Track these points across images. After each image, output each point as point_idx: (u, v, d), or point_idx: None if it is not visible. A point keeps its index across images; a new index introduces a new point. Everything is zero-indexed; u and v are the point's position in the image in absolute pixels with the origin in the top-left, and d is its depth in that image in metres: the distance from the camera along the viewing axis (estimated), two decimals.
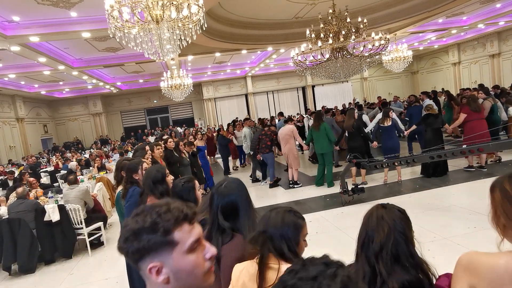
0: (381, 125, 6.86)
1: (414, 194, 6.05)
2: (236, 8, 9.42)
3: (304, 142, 7.94)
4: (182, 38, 5.16)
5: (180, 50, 5.57)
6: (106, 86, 16.75)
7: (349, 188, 5.77)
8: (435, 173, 6.76)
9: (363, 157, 6.77)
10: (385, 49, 8.21)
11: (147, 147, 4.61)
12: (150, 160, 4.39)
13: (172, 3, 4.65)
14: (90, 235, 5.35)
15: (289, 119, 7.75)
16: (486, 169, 6.76)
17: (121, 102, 20.93)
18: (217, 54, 12.74)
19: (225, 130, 11.89)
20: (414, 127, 7.44)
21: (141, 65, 13.70)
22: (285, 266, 1.31)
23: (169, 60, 11.51)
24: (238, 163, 11.22)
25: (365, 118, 8.92)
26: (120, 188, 3.22)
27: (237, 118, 19.18)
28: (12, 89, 14.17)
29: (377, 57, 8.41)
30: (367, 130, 7.83)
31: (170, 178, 2.66)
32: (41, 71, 11.71)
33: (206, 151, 8.59)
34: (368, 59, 8.24)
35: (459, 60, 19.12)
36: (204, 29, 5.09)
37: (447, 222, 4.60)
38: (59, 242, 5.13)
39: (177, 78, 12.06)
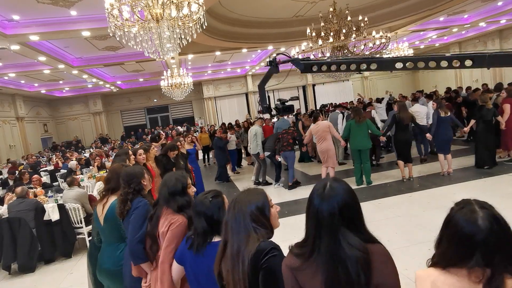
0: (441, 116, 6.66)
1: (414, 193, 6.04)
2: (236, 7, 9.40)
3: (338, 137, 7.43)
4: (182, 36, 5.14)
5: (180, 49, 5.55)
6: (106, 85, 16.73)
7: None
8: (489, 163, 6.72)
9: (409, 151, 6.76)
10: (386, 48, 8.20)
11: (131, 152, 4.47)
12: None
13: (172, 1, 4.63)
14: (90, 234, 5.34)
15: (317, 115, 7.37)
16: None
17: (121, 101, 20.92)
18: (218, 53, 12.71)
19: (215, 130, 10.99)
20: (473, 121, 7.15)
21: (141, 64, 13.68)
22: None
23: (169, 59, 11.49)
24: (230, 168, 10.21)
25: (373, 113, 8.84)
26: (113, 198, 2.63)
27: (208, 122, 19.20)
28: (12, 88, 14.16)
29: (378, 55, 8.40)
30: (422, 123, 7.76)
31: (192, 190, 2.25)
32: (41, 70, 11.70)
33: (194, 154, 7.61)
34: None
35: None
36: (204, 27, 5.07)
37: None
38: (59, 242, 5.13)
39: (177, 77, 12.06)
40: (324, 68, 3.12)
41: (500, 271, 1.07)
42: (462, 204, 1.19)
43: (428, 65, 2.74)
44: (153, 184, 3.42)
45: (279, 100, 3.98)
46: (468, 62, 2.57)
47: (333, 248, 1.25)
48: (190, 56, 12.62)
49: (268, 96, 4.54)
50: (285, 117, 10.93)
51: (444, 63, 2.65)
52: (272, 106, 4.01)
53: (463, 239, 1.12)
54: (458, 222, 1.15)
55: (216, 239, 1.77)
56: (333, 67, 3.08)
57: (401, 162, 6.73)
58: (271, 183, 8.01)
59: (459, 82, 18.84)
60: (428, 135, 6.90)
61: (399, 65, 2.82)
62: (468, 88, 11.98)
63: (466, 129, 7.32)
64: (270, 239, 1.50)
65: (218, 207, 1.79)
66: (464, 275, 1.11)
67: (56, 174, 9.24)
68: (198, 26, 5.10)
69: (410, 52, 12.78)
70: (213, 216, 1.76)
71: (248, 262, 1.41)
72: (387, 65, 3.12)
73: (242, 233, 1.46)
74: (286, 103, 3.95)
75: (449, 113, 6.76)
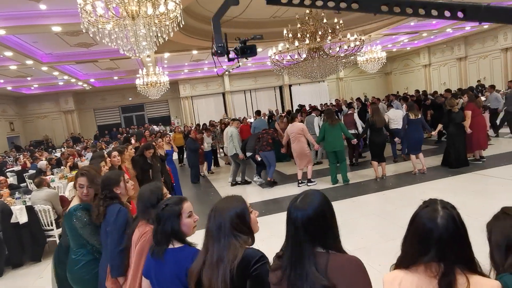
0: (410, 118, 6.92)
1: (387, 191, 6.25)
2: (213, 6, 9.33)
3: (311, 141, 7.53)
4: (159, 35, 5.07)
5: (156, 47, 5.47)
6: (79, 83, 16.16)
7: None
8: (457, 165, 7.01)
9: (382, 152, 6.96)
10: (360, 50, 8.42)
11: (106, 155, 4.34)
12: (108, 168, 3.94)
13: None
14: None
15: (294, 116, 7.49)
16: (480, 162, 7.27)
17: (95, 100, 20.26)
18: (194, 52, 12.59)
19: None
20: (440, 126, 7.48)
21: (116, 62, 13.32)
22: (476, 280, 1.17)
23: (144, 57, 11.26)
24: (206, 168, 10.20)
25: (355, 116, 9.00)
26: (73, 202, 2.61)
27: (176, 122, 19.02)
28: None
29: (352, 57, 8.62)
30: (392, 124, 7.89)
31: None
32: (7, 65, 11.14)
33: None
34: (344, 60, 8.43)
35: (429, 62, 19.91)
36: (181, 26, 5.02)
37: None
38: (28, 245, 4.92)
39: (153, 75, 11.84)
40: (295, 1, 2.58)
41: (452, 265, 1.16)
42: (428, 203, 1.28)
43: (417, 12, 2.40)
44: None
45: (239, 38, 3.34)
46: (460, 13, 2.22)
47: (296, 261, 1.28)
48: (166, 55, 12.42)
49: (225, 34, 3.53)
50: (262, 117, 11.04)
51: (434, 12, 2.35)
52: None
53: (423, 235, 1.21)
54: (420, 219, 1.24)
55: (177, 245, 1.73)
56: (307, 2, 2.58)
57: (374, 163, 6.95)
58: (250, 182, 8.05)
59: (428, 84, 19.68)
60: (397, 139, 7.26)
61: (384, 8, 2.48)
62: (435, 92, 12.50)
63: (434, 132, 7.69)
64: (252, 246, 1.50)
65: (173, 216, 1.71)
66: (422, 271, 1.20)
67: (24, 174, 8.84)
68: (175, 25, 5.04)
69: (383, 55, 13.20)
70: (165, 224, 1.71)
71: (233, 269, 1.39)
72: (371, 5, 2.61)
73: (223, 240, 1.45)
74: (247, 43, 3.29)
75: (419, 116, 7.05)
